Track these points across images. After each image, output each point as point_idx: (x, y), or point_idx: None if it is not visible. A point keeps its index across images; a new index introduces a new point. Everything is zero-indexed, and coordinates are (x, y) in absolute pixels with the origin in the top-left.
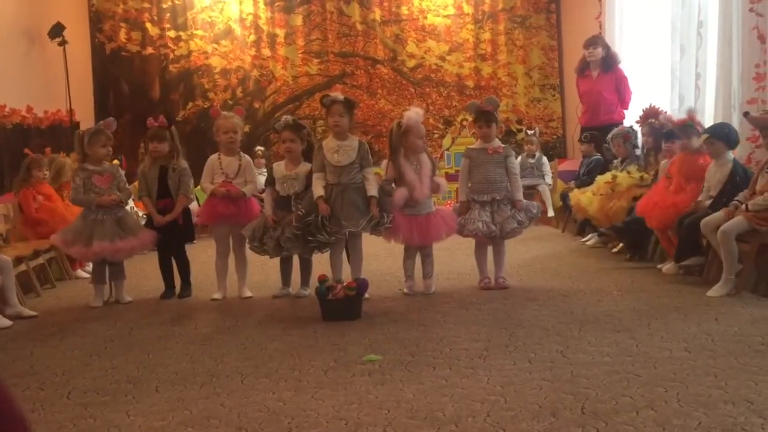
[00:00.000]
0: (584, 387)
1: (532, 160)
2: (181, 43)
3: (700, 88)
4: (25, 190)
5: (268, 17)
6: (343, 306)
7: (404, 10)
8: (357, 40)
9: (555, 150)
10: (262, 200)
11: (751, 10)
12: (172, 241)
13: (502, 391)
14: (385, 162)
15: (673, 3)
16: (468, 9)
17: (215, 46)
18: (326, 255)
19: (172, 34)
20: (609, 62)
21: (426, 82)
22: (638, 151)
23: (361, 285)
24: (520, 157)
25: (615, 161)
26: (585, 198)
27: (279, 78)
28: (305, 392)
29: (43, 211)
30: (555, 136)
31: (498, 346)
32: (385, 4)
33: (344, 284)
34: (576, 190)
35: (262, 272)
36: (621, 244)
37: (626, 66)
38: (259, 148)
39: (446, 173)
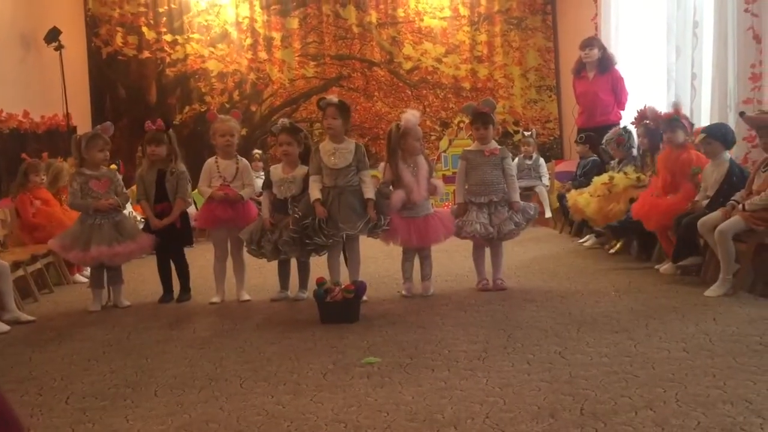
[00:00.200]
0: (583, 388)
1: (529, 162)
2: (178, 47)
3: (696, 89)
4: (23, 194)
5: (265, 20)
6: (341, 309)
7: (400, 12)
8: (353, 42)
9: (552, 151)
10: (259, 203)
11: (746, 10)
12: (170, 244)
13: (500, 393)
14: (382, 165)
15: (669, 4)
16: (464, 11)
17: (212, 49)
18: (324, 258)
19: (168, 37)
20: (605, 63)
21: (422, 84)
22: (635, 152)
23: (359, 287)
24: (517, 159)
25: (612, 162)
26: (582, 199)
27: (276, 81)
28: (304, 395)
29: (40, 215)
30: (552, 138)
31: (496, 348)
32: (381, 6)
33: (342, 287)
34: (573, 192)
35: (260, 275)
36: (618, 245)
37: (622, 67)
38: (256, 151)
39: (443, 175)
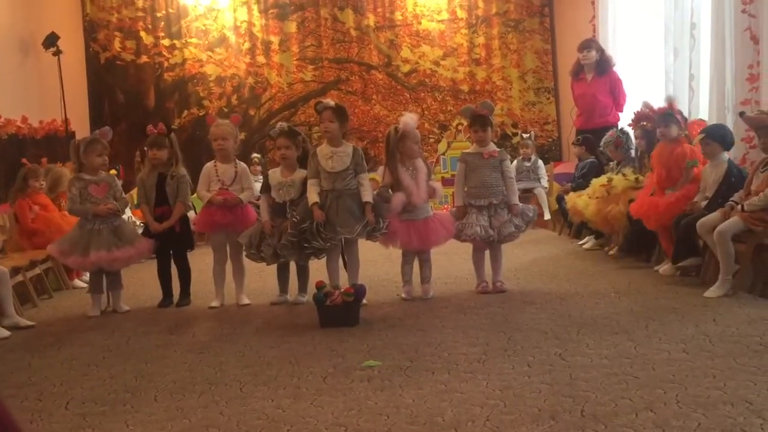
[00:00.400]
0: (583, 390)
1: (527, 164)
2: (176, 52)
3: (694, 90)
4: (21, 200)
5: (263, 24)
6: (340, 312)
7: (398, 15)
8: (351, 46)
9: (550, 153)
10: (258, 207)
11: (743, 11)
12: (171, 248)
13: (501, 395)
14: (381, 168)
15: (666, 5)
16: (462, 14)
17: (210, 53)
18: (323, 261)
19: (166, 42)
20: (603, 65)
21: (421, 87)
22: (633, 153)
23: (358, 291)
24: (515, 161)
25: (611, 163)
26: (581, 201)
27: (274, 85)
28: (304, 399)
29: (39, 221)
30: (550, 140)
31: (496, 350)
32: (379, 9)
33: (342, 290)
34: (572, 194)
35: (260, 279)
36: (617, 247)
37: (620, 68)
38: (255, 155)
39: (442, 178)
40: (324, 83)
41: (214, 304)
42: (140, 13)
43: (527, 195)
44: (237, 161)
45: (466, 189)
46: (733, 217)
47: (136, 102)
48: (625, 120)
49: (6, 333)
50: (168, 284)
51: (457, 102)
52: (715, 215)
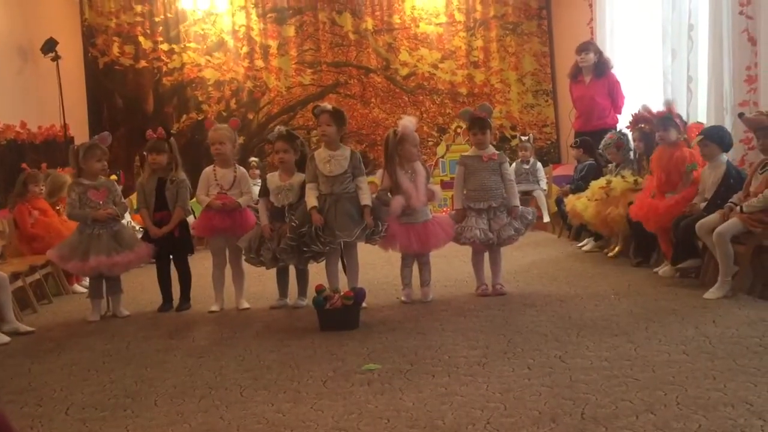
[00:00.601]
0: (583, 392)
1: (526, 166)
2: (174, 56)
3: (692, 91)
4: (21, 205)
5: (261, 29)
6: (340, 316)
7: (396, 19)
8: (350, 49)
9: (549, 155)
10: (256, 211)
11: (740, 12)
12: (171, 253)
13: (501, 398)
14: (380, 172)
15: (664, 7)
16: (460, 17)
17: (208, 58)
18: (322, 265)
19: (165, 47)
20: (601, 67)
21: (419, 90)
22: (632, 155)
23: (358, 294)
24: (514, 164)
25: (610, 165)
26: (580, 203)
27: (272, 89)
28: (304, 403)
29: (38, 226)
30: (549, 142)
31: (496, 353)
32: (377, 13)
33: (341, 294)
34: (571, 196)
35: (260, 283)
36: (617, 249)
37: (618, 71)
38: (253, 159)
39: (441, 180)
40: (322, 87)
41: (214, 308)
42: (139, 18)
43: (526, 197)
44: (236, 166)
45: (465, 192)
46: (732, 219)
47: (135, 107)
48: (623, 122)
49: (6, 338)
50: (168, 289)
51: (455, 105)
52: (714, 217)
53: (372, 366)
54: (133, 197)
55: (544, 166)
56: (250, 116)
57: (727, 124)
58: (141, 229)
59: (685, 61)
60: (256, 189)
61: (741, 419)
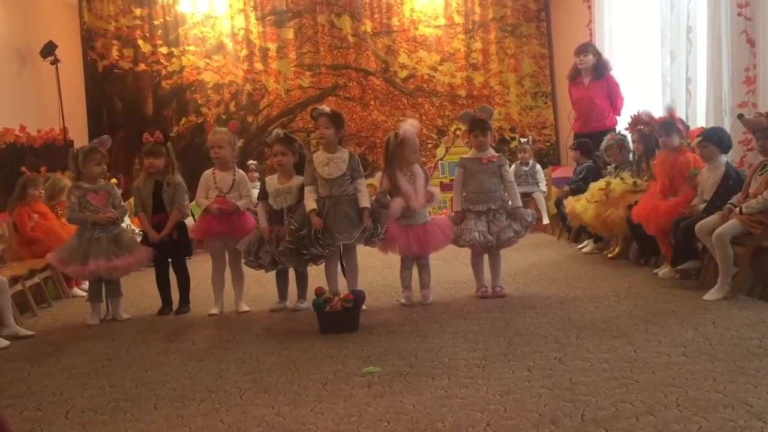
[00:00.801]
0: (584, 394)
1: (525, 168)
2: (174, 59)
3: (691, 93)
4: (20, 208)
5: (260, 31)
6: (340, 318)
7: (395, 21)
8: (349, 52)
9: (548, 157)
10: (256, 214)
11: (739, 14)
12: (170, 256)
13: (501, 400)
14: (378, 174)
15: (662, 9)
16: (459, 19)
17: (207, 61)
18: (322, 267)
19: (164, 50)
20: (600, 69)
21: (418, 93)
22: (631, 157)
23: (358, 297)
24: (513, 165)
25: (609, 167)
26: (580, 205)
27: (272, 92)
28: (304, 406)
29: (38, 229)
30: (548, 143)
31: (496, 355)
32: (376, 15)
33: (341, 296)
34: (571, 198)
35: (259, 286)
36: (617, 250)
37: (617, 72)
38: (251, 161)
39: (440, 183)
40: (322, 89)
41: (214, 311)
42: (138, 21)
43: (525, 199)
44: (236, 169)
45: (464, 194)
46: (732, 220)
47: (135, 110)
48: (622, 124)
49: (5, 343)
50: (167, 292)
51: (454, 107)
52: (713, 218)
53: (372, 369)
54: (130, 200)
55: (543, 168)
56: (250, 119)
57: (726, 126)
58: (140, 232)
59: (683, 63)
60: (255, 192)
61: (741, 421)
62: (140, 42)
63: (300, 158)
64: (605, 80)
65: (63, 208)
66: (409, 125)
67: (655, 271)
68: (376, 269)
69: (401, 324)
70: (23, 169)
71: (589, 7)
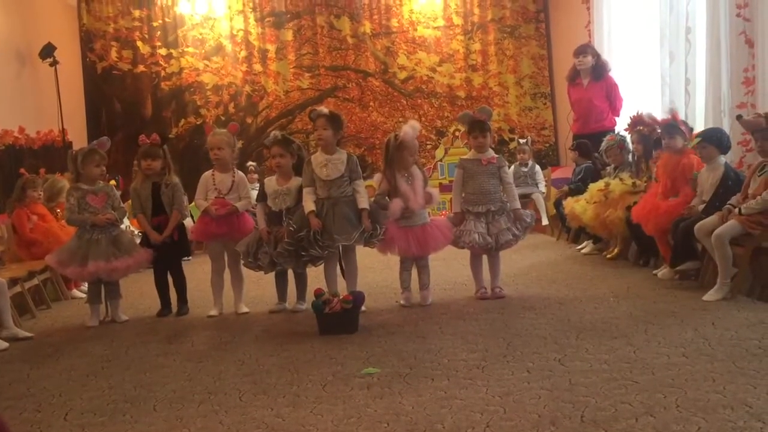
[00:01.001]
0: (583, 395)
1: (525, 169)
2: (173, 61)
3: (690, 94)
4: (19, 210)
5: (259, 33)
6: (339, 319)
7: (394, 22)
8: (348, 53)
9: (548, 158)
10: (255, 215)
11: (738, 15)
12: (168, 257)
13: (501, 402)
14: (377, 175)
15: (661, 10)
16: (457, 20)
17: (206, 62)
18: (321, 268)
19: (163, 51)
20: (599, 70)
21: (417, 94)
22: (630, 158)
23: (357, 298)
24: (513, 166)
25: (608, 168)
26: (579, 206)
27: (271, 93)
28: (304, 407)
29: (37, 231)
30: (547, 145)
31: (496, 356)
32: (375, 17)
33: (341, 297)
34: (570, 198)
35: (258, 287)
36: (616, 251)
37: (616, 73)
38: (250, 163)
39: (440, 184)
40: (321, 91)
41: (213, 312)
42: (137, 23)
43: (525, 200)
44: (235, 170)
45: (463, 195)
46: (731, 221)
47: (134, 111)
48: (621, 124)
49: (4, 344)
50: (166, 293)
51: (453, 108)
52: (712, 219)
53: (371, 370)
54: (129, 202)
55: (542, 169)
56: (249, 120)
57: (725, 127)
58: (139, 234)
59: (682, 64)
60: (255, 193)
61: (740, 421)
62: (139, 43)
63: (299, 159)
64: (604, 81)
65: (62, 209)
66: (410, 127)
67: (654, 271)
68: (376, 270)
69: (400, 325)
70: (22, 170)
71: (588, 8)
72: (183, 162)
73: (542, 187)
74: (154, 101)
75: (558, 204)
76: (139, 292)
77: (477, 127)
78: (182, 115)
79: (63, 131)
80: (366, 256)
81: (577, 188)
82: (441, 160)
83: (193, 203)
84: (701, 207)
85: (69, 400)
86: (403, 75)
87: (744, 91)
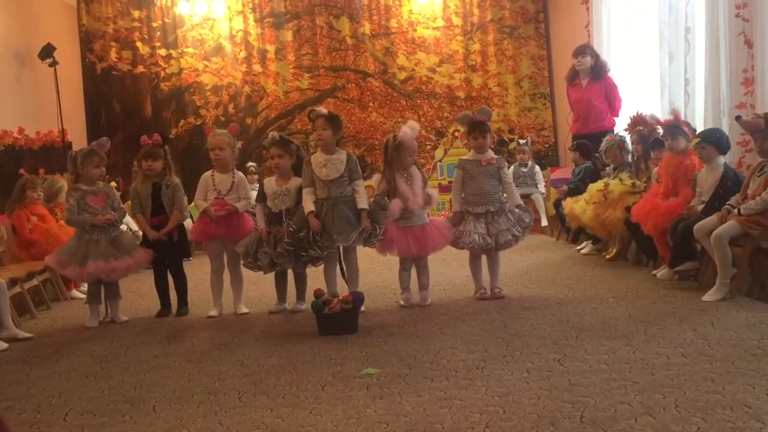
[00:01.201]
0: (582, 395)
1: (524, 169)
2: (172, 61)
3: (689, 94)
4: (19, 210)
5: (258, 33)
6: (339, 320)
7: (393, 23)
8: (347, 54)
9: (547, 158)
10: (254, 215)
11: (737, 15)
12: (167, 258)
13: (500, 402)
14: (376, 176)
15: (660, 10)
16: (457, 21)
17: (206, 63)
18: (321, 269)
19: (162, 52)
20: (598, 71)
21: (417, 94)
22: (629, 158)
23: (356, 298)
24: (512, 167)
25: (607, 168)
26: (578, 206)
27: (270, 93)
28: (303, 408)
29: (37, 231)
30: (547, 145)
31: (495, 357)
32: (375, 17)
33: (340, 298)
34: (569, 199)
35: (258, 288)
36: (615, 251)
37: (616, 74)
38: (251, 164)
39: (439, 184)
40: (320, 91)
41: (213, 313)
42: (136, 24)
43: (524, 201)
44: (235, 171)
45: (463, 196)
46: (730, 221)
47: (133, 112)
48: (620, 125)
49: (4, 345)
50: (165, 294)
51: (453, 108)
52: (711, 219)
53: (371, 370)
54: (129, 202)
55: (542, 169)
56: (248, 121)
57: (725, 127)
58: (140, 234)
59: (682, 64)
60: (255, 194)
61: (739, 422)
62: (139, 44)
63: (298, 160)
64: (603, 81)
65: (61, 210)
66: (408, 128)
67: (653, 272)
68: (375, 271)
69: (400, 325)
70: (22, 171)
71: (588, 9)
72: (183, 162)
73: (542, 188)
74: (153, 102)
75: (557, 204)
76: (139, 293)
77: (477, 128)
78: (182, 115)
79: (62, 132)
80: (365, 257)
81: (577, 188)
82: (440, 161)
83: (192, 204)
84: (700, 207)
85: (68, 401)
86: (402, 75)
87: (743, 92)
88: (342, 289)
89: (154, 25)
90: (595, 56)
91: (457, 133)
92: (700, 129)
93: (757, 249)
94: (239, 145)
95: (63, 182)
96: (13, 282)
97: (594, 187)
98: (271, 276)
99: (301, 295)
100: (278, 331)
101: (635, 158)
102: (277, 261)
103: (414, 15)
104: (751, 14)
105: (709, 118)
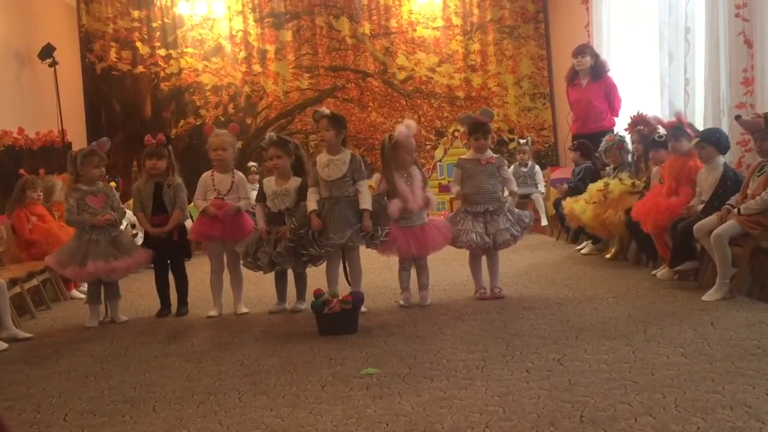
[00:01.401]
0: (582, 395)
1: (524, 169)
2: (172, 61)
3: (689, 94)
4: (19, 210)
5: (258, 33)
6: (339, 320)
7: (393, 23)
8: (347, 53)
9: (547, 158)
10: (254, 215)
11: (737, 15)
12: (169, 258)
13: (500, 402)
14: (376, 176)
15: (660, 10)
16: (457, 21)
17: (206, 63)
18: (321, 269)
19: (162, 52)
20: (598, 71)
21: (417, 94)
22: (629, 158)
23: (356, 298)
24: (512, 167)
25: (607, 168)
26: (578, 206)
27: (270, 93)
28: (303, 408)
29: (36, 232)
30: (547, 145)
31: (495, 357)
32: (374, 17)
33: (340, 298)
34: (569, 199)
35: (258, 288)
36: (614, 251)
37: (615, 74)
38: (252, 164)
39: (439, 184)
40: (320, 91)
41: (213, 313)
42: (136, 24)
43: (524, 201)
44: (235, 171)
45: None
46: (730, 221)
47: (133, 112)
48: (620, 125)
49: (4, 345)
50: (166, 294)
51: (453, 108)
52: (711, 219)
53: (371, 370)
54: (130, 202)
55: (542, 169)
56: (248, 121)
57: (724, 127)
58: (141, 234)
59: (682, 64)
60: (255, 193)
61: (739, 422)
62: (138, 44)
63: (297, 159)
64: (603, 81)
65: (61, 210)
66: (404, 126)
67: (653, 272)
68: (375, 271)
69: (400, 325)
70: (21, 171)
71: (588, 9)
72: (182, 162)
73: (542, 188)
74: (153, 102)
75: (557, 204)
76: (139, 293)
77: (479, 129)
78: (182, 115)
79: (62, 132)
80: (365, 257)
81: (577, 188)
82: (440, 161)
83: (192, 204)
84: (700, 207)
85: (68, 401)
86: (402, 75)
87: (743, 92)
88: (344, 289)
89: (154, 25)
90: (595, 56)
91: (456, 133)
92: (700, 129)
93: (757, 249)
94: (239, 145)
95: (55, 181)
96: (13, 282)
97: (594, 187)
98: (271, 276)
99: (300, 295)
100: (278, 331)
101: (635, 158)
102: (277, 261)
103: (414, 15)
104: (751, 14)
105: (709, 118)
